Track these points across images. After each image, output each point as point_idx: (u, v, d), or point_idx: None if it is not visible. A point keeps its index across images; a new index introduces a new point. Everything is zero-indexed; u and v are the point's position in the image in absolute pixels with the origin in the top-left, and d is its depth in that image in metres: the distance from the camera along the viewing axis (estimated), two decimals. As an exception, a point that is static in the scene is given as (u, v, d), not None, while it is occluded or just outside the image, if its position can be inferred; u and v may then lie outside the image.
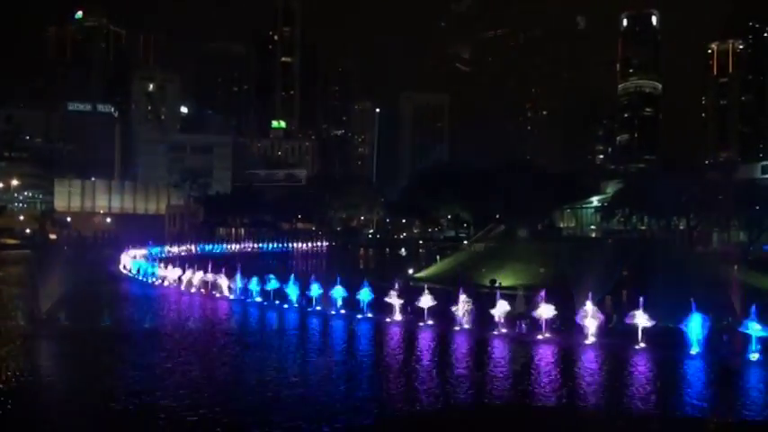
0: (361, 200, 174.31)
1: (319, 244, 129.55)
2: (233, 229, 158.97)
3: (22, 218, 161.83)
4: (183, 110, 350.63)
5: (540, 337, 24.07)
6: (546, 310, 24.08)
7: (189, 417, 15.08)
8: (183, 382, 18.74)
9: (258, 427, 14.44)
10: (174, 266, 47.84)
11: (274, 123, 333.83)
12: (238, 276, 37.73)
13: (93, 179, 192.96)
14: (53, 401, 17.12)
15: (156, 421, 14.91)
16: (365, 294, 29.57)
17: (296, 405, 16.28)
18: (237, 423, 14.92)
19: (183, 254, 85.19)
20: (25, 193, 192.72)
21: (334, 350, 24.66)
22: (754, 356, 20.37)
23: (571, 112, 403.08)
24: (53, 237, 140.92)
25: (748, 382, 19.20)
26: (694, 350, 20.93)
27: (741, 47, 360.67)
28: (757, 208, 76.09)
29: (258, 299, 36.13)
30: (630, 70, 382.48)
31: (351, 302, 30.51)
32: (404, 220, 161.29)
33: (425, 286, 29.39)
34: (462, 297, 26.29)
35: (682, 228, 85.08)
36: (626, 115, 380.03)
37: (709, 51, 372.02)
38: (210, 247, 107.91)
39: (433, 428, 15.26)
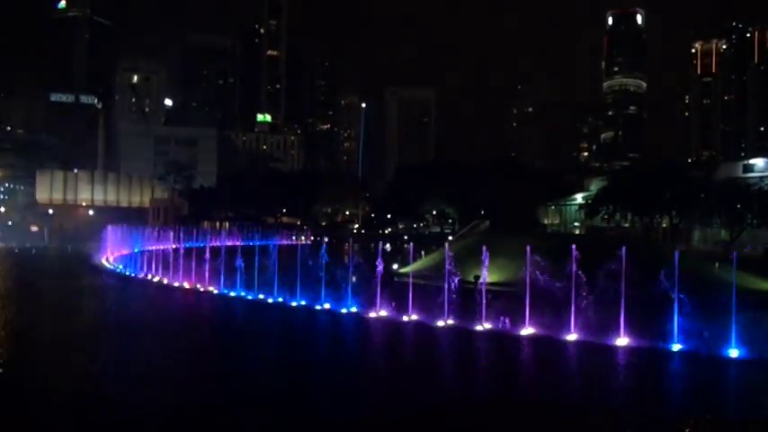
0: (347, 195, 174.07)
1: (303, 239, 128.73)
2: (217, 223, 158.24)
3: (2, 209, 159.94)
4: (168, 102, 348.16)
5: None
6: None
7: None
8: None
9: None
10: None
11: (260, 117, 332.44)
12: None
13: (75, 171, 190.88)
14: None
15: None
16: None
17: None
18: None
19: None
20: (6, 185, 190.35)
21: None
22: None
23: (556, 109, 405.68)
24: (34, 229, 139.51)
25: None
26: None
27: (724, 47, 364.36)
28: (738, 206, 76.98)
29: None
30: (615, 69, 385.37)
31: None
32: (389, 216, 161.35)
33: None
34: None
35: (664, 225, 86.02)
36: (610, 113, 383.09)
37: (693, 51, 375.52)
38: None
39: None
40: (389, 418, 14.61)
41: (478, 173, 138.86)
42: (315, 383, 17.63)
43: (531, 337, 23.71)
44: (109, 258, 61.33)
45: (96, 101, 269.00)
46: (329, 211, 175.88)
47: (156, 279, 44.35)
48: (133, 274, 48.19)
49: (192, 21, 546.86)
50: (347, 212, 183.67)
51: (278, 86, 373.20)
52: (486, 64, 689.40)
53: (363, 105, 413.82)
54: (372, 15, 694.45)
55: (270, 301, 32.77)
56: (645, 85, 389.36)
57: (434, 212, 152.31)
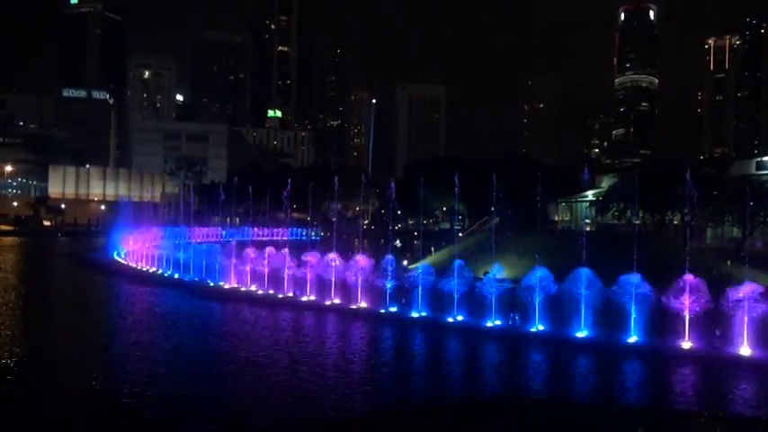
0: (357, 190, 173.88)
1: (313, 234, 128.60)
2: (227, 218, 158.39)
3: (15, 204, 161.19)
4: (179, 97, 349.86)
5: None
6: None
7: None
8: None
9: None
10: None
11: (270, 112, 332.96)
12: None
13: (87, 166, 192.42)
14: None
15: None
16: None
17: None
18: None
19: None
20: (19, 179, 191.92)
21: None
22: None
23: (567, 106, 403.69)
24: (47, 223, 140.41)
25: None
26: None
27: (738, 43, 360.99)
28: (751, 204, 76.23)
29: None
30: (627, 65, 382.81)
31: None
32: (399, 212, 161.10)
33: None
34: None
35: (676, 223, 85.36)
36: (622, 110, 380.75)
37: (706, 47, 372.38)
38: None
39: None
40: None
41: (489, 169, 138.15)
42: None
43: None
44: (123, 253, 53.65)
45: (108, 96, 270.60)
46: (339, 206, 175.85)
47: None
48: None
49: (203, 17, 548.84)
50: (357, 208, 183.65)
51: (288, 82, 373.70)
52: (497, 60, 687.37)
53: (374, 101, 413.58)
54: (383, 11, 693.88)
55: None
56: (657, 81, 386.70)
57: (444, 209, 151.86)
